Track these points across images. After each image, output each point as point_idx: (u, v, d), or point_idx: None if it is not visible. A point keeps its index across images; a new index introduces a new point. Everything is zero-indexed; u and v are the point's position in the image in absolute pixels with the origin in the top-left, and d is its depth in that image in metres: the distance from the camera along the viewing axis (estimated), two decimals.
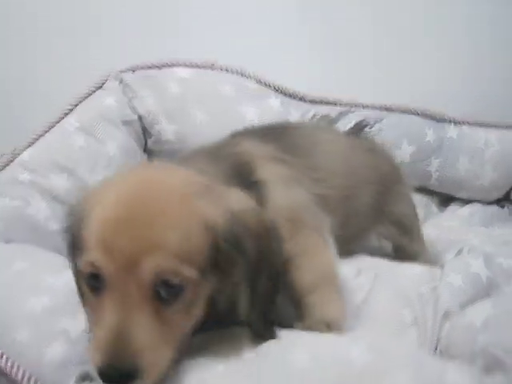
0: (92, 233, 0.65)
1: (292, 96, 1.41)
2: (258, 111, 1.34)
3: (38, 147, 1.15)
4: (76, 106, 1.24)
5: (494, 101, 1.78)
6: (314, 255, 0.82)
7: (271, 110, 1.36)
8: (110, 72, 1.31)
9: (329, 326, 0.76)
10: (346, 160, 1.07)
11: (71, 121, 1.21)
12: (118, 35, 1.61)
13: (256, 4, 1.70)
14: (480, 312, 0.79)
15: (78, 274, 0.72)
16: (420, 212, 1.36)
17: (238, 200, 0.71)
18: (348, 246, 1.07)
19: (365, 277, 0.97)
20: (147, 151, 1.34)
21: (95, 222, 0.65)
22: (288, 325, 0.76)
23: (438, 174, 1.51)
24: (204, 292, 0.68)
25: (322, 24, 1.73)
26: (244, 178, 0.84)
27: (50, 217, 1.05)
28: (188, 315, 0.67)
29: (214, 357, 0.69)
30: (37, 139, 1.16)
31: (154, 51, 1.45)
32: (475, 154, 1.55)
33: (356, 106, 1.46)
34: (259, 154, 0.92)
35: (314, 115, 1.40)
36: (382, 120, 1.44)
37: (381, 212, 1.13)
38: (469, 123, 1.57)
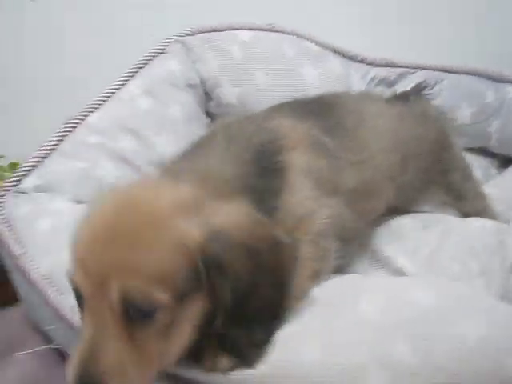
0: (73, 251, 0.66)
1: (352, 58, 1.40)
2: (318, 73, 1.33)
3: (103, 111, 1.17)
4: (140, 69, 1.26)
5: None
6: None
7: (331, 72, 1.35)
8: (172, 36, 1.32)
9: None
10: (394, 133, 1.02)
11: (136, 84, 1.23)
12: None
13: None
14: None
15: None
16: (479, 174, 1.36)
17: (228, 214, 0.66)
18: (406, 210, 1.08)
19: (432, 230, 0.98)
20: (209, 115, 1.35)
21: (77, 241, 0.66)
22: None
23: (497, 135, 1.49)
24: (187, 317, 0.64)
25: None
26: (265, 160, 0.78)
27: (117, 178, 1.08)
28: (167, 340, 0.63)
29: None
30: (101, 104, 1.18)
31: (214, 14, 1.45)
32: None
33: (416, 67, 1.44)
34: (292, 131, 0.84)
35: (374, 77, 1.40)
36: (442, 81, 1.43)
37: (432, 182, 1.12)
38: None
